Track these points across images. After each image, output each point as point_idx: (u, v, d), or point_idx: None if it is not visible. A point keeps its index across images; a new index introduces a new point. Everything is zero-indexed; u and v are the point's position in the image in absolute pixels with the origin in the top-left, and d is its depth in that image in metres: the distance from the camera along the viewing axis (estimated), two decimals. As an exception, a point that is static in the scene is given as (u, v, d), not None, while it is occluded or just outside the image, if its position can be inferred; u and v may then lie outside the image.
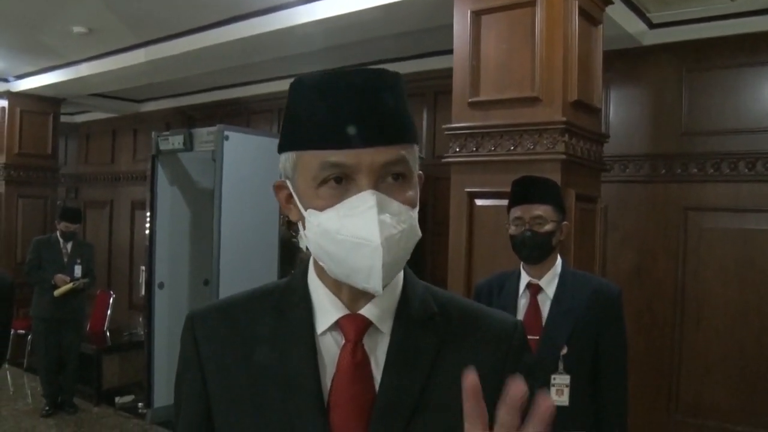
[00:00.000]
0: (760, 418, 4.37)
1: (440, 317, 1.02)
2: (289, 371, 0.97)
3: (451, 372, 0.97)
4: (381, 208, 0.89)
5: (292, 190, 0.97)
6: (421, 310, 1.01)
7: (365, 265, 0.89)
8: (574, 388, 2.27)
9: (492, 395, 1.00)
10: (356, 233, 0.88)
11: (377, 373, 0.97)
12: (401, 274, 1.03)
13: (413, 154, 0.95)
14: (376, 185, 0.90)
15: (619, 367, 2.37)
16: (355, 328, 0.98)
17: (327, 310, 0.99)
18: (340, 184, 0.91)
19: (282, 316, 1.01)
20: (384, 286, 0.91)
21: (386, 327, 0.99)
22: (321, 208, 0.92)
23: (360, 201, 0.89)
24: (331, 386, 0.96)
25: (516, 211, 2.43)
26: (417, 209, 0.95)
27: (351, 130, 0.89)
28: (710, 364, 4.58)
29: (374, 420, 0.94)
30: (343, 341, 0.98)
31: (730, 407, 4.49)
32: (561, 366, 2.27)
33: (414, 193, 0.95)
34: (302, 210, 0.95)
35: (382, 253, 0.88)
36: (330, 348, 0.99)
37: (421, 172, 1.00)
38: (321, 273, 1.00)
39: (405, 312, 1.00)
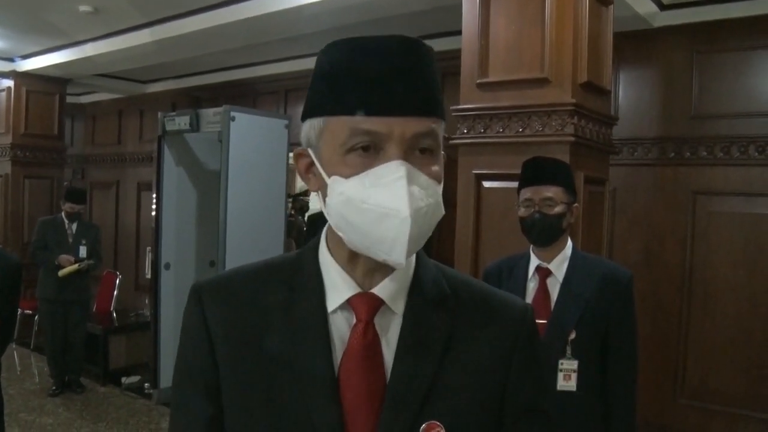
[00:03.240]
0: (766, 403, 4.36)
1: (453, 299, 1.00)
2: (301, 352, 0.94)
3: (463, 355, 0.97)
4: (410, 180, 0.86)
5: (314, 158, 0.94)
6: (434, 291, 0.99)
7: (390, 237, 0.86)
8: (582, 373, 2.24)
9: (501, 379, 0.99)
10: (383, 203, 0.86)
11: (387, 354, 0.95)
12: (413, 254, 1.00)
13: (441, 131, 0.94)
14: (405, 156, 0.88)
15: (628, 352, 2.33)
16: (367, 307, 0.95)
17: (338, 288, 0.96)
18: (367, 153, 0.88)
19: (292, 293, 0.98)
20: (407, 258, 0.88)
21: (398, 307, 0.97)
22: (347, 176, 0.89)
23: (389, 170, 0.87)
24: (341, 366, 0.94)
25: (526, 193, 2.39)
26: (441, 186, 0.93)
27: (385, 97, 0.87)
28: (717, 349, 4.57)
29: (387, 406, 0.92)
30: (354, 320, 0.96)
31: (737, 392, 4.48)
32: (569, 351, 2.24)
33: (440, 168, 0.93)
34: (325, 177, 0.92)
35: (410, 225, 0.85)
36: (340, 327, 0.96)
37: (443, 152, 0.97)
38: (334, 249, 0.98)
39: (417, 292, 0.98)
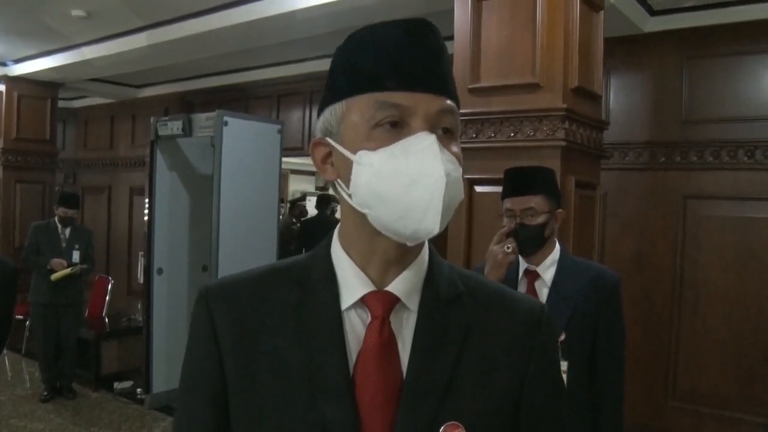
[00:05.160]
0: (757, 405, 4.39)
1: (467, 297, 0.98)
2: (314, 351, 0.92)
3: (479, 354, 0.95)
4: (440, 148, 0.87)
5: (334, 144, 0.93)
6: (448, 289, 0.97)
7: (424, 201, 0.85)
8: (571, 374, 2.25)
9: (518, 379, 0.97)
10: (416, 168, 0.85)
11: (403, 353, 0.93)
12: (426, 251, 0.99)
13: (458, 116, 0.94)
14: (431, 131, 0.88)
15: (616, 354, 2.34)
16: (382, 304, 0.93)
17: (352, 285, 0.94)
18: (394, 128, 0.88)
19: (304, 292, 0.96)
20: (440, 229, 0.88)
21: (413, 304, 0.95)
22: (374, 149, 0.88)
23: (418, 140, 0.87)
24: (356, 365, 0.92)
25: (507, 203, 2.39)
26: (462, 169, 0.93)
27: (409, 73, 0.88)
28: (708, 351, 4.60)
29: (403, 404, 0.90)
30: (369, 318, 0.94)
31: (727, 394, 4.51)
32: (558, 352, 2.26)
33: (459, 151, 0.93)
34: (350, 156, 0.90)
35: (444, 185, 0.85)
36: (355, 325, 0.94)
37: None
38: (348, 246, 0.96)
39: (432, 290, 0.96)
